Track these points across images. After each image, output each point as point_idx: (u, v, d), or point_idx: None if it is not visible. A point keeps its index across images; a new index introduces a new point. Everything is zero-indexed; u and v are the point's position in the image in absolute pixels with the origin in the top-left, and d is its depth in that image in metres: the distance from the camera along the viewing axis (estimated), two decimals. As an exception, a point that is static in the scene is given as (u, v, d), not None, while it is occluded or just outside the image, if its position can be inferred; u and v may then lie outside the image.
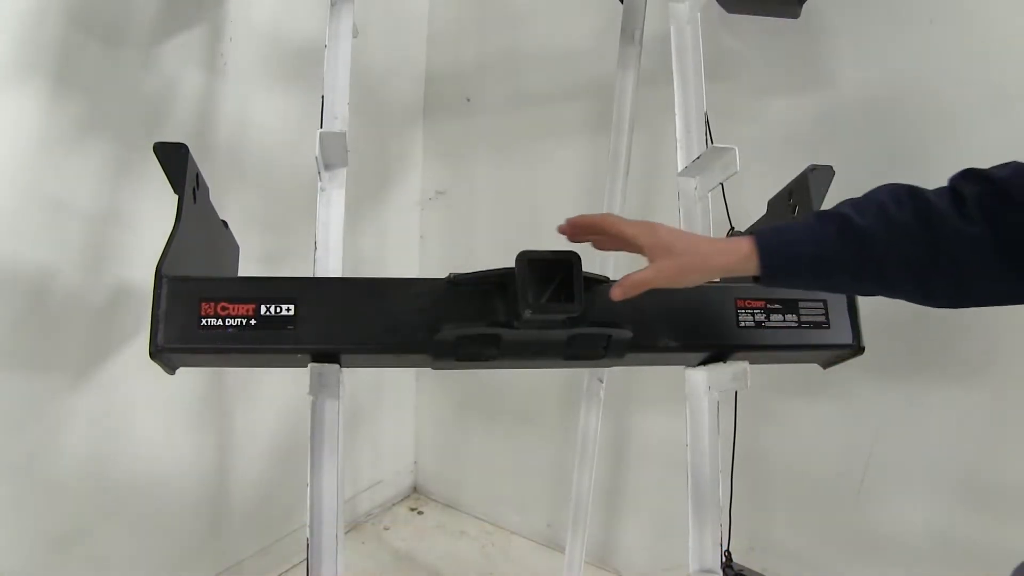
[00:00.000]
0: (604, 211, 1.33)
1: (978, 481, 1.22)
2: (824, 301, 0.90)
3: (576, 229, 0.78)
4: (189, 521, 1.47)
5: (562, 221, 0.79)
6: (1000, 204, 0.60)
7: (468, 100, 1.94)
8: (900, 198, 0.64)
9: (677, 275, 0.71)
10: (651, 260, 0.72)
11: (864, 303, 0.90)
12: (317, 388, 0.83)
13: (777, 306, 0.89)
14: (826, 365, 0.96)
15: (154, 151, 0.82)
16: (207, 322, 0.76)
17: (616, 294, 0.73)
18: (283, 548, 1.69)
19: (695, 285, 0.72)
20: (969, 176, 0.63)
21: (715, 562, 0.95)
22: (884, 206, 0.64)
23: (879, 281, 0.66)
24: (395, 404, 2.11)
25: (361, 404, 1.92)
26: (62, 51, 1.11)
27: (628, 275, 0.73)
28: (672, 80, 1.10)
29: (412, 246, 2.08)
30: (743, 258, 0.68)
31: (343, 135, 0.93)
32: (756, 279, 0.69)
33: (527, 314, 0.76)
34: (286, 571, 1.70)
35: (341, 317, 0.81)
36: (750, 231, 0.71)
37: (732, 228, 1.18)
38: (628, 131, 1.29)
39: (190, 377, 1.28)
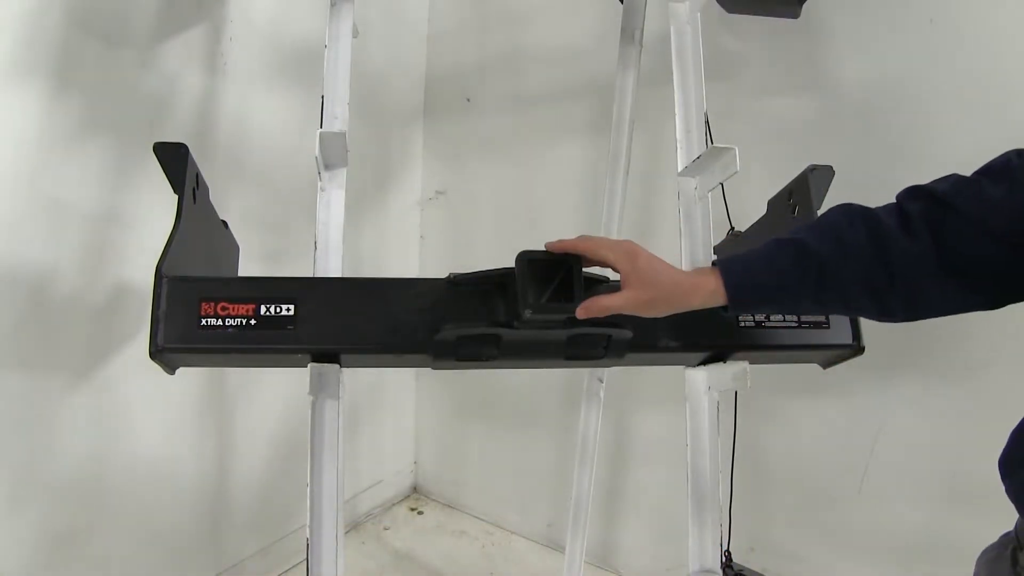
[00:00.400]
0: (604, 211, 1.33)
1: (978, 481, 1.22)
2: (824, 301, 0.90)
3: (558, 250, 0.78)
4: (189, 521, 1.47)
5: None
6: (942, 217, 0.62)
7: (468, 100, 1.94)
8: (853, 220, 0.66)
9: (645, 307, 0.73)
10: (624, 286, 0.73)
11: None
12: (317, 388, 0.83)
13: (777, 306, 0.89)
14: (826, 365, 0.96)
15: (154, 151, 0.82)
16: (207, 322, 0.76)
17: (580, 313, 0.75)
18: (283, 548, 1.69)
19: (660, 316, 0.74)
20: (912, 193, 0.65)
21: (715, 562, 0.95)
22: (838, 228, 0.66)
23: (839, 302, 0.68)
24: (395, 404, 2.11)
25: (361, 404, 1.92)
26: (62, 51, 1.11)
27: (597, 297, 0.74)
28: (672, 80, 1.10)
29: (412, 246, 2.08)
30: (709, 294, 0.71)
31: (343, 135, 0.93)
32: (725, 308, 0.72)
33: (527, 314, 0.76)
34: (286, 571, 1.70)
35: (341, 317, 0.81)
36: (717, 258, 0.73)
37: (732, 228, 1.18)
38: (628, 131, 1.29)
39: (190, 377, 1.29)
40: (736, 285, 0.70)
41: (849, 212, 0.67)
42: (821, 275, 0.66)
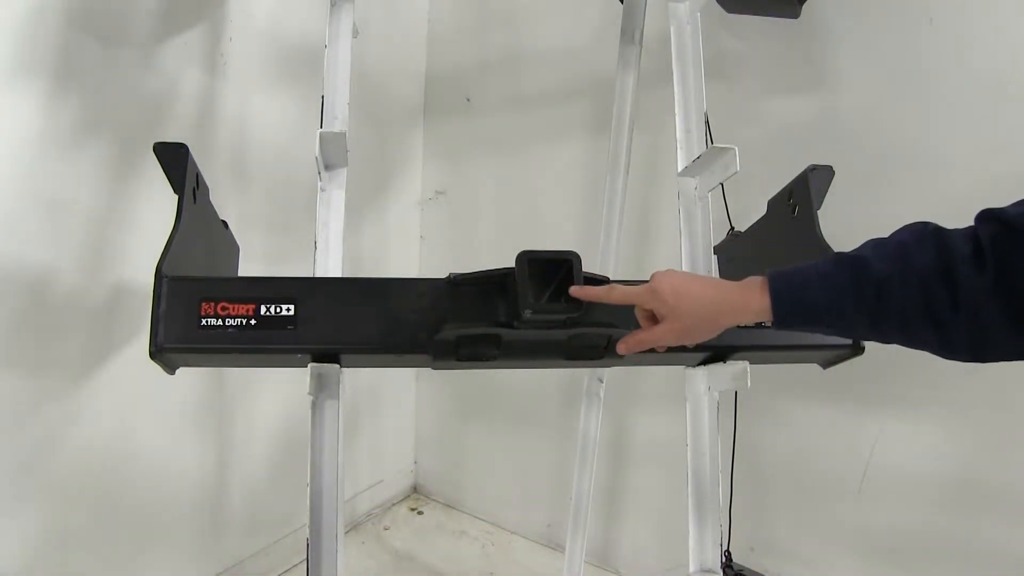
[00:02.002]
0: (604, 211, 1.33)
1: (979, 482, 1.22)
2: (824, 301, 0.90)
3: (585, 297, 0.77)
4: (189, 521, 1.47)
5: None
6: (1010, 247, 0.54)
7: (468, 100, 1.94)
8: (923, 240, 0.60)
9: (687, 335, 0.71)
10: (661, 319, 0.72)
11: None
12: (317, 388, 0.83)
13: (777, 306, 0.89)
14: (826, 365, 0.96)
15: (154, 151, 0.82)
16: (207, 322, 0.76)
17: (621, 349, 0.75)
18: (283, 548, 1.69)
19: (708, 338, 0.72)
20: (984, 216, 0.58)
21: (715, 562, 0.95)
22: (905, 248, 0.60)
23: (899, 331, 0.62)
24: (395, 404, 2.11)
25: (361, 404, 1.92)
26: (62, 51, 1.11)
27: (635, 332, 0.74)
28: (672, 80, 1.10)
29: (412, 246, 2.08)
30: (755, 313, 0.67)
31: (343, 135, 0.93)
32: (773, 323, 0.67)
33: (527, 314, 0.76)
34: (286, 571, 1.70)
35: (341, 317, 0.81)
36: (769, 270, 0.67)
37: (732, 228, 1.18)
38: (628, 131, 1.29)
39: (190, 377, 1.29)
40: (784, 301, 0.65)
41: (920, 232, 0.61)
42: (879, 299, 0.60)
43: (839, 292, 0.62)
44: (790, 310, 0.65)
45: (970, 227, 0.59)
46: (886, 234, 0.64)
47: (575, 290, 0.76)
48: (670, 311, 0.70)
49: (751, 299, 0.67)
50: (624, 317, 0.82)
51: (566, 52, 1.73)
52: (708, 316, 0.69)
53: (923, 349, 0.62)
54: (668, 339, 0.72)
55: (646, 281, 0.74)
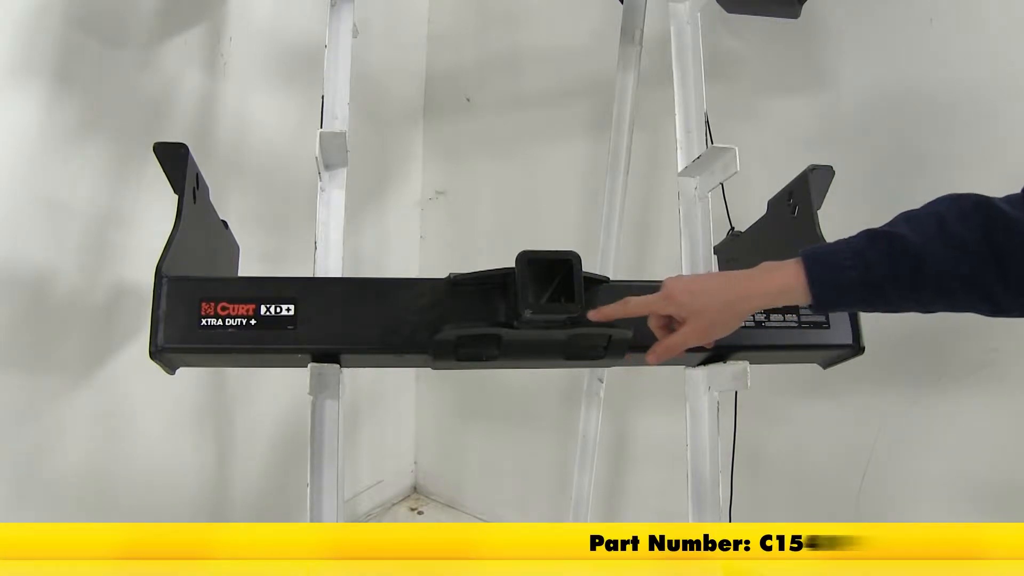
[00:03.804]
0: (604, 211, 1.34)
1: (979, 482, 1.22)
2: (824, 301, 0.90)
3: (605, 319, 0.77)
4: (189, 521, 1.46)
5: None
6: None
7: (468, 100, 1.94)
8: (964, 211, 0.59)
9: (708, 332, 0.71)
10: (682, 323, 0.72)
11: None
12: (317, 388, 0.83)
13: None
14: (826, 365, 0.96)
15: (154, 151, 0.82)
16: (207, 322, 0.76)
17: (652, 360, 0.75)
18: (283, 548, 1.69)
19: (736, 328, 0.72)
20: None
21: (715, 562, 0.95)
22: (943, 220, 0.60)
23: (942, 301, 0.62)
24: (395, 404, 2.11)
25: (361, 404, 1.92)
26: (62, 51, 1.11)
27: (661, 340, 0.74)
28: (672, 80, 1.10)
29: (412, 246, 2.08)
30: (779, 292, 0.66)
31: (343, 135, 0.93)
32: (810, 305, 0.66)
33: (527, 314, 0.76)
34: (286, 571, 1.70)
35: (341, 317, 0.81)
36: (802, 250, 0.67)
37: (732, 228, 1.18)
38: (628, 131, 1.29)
39: (190, 377, 1.28)
40: (820, 281, 0.63)
41: (959, 200, 0.61)
42: (916, 271, 0.60)
43: (873, 268, 0.62)
44: (826, 290, 0.64)
45: (1017, 194, 0.59)
46: None
47: (593, 314, 0.76)
48: (689, 311, 0.70)
49: (773, 279, 0.66)
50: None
51: (566, 52, 1.73)
52: (727, 305, 0.69)
53: (970, 311, 0.62)
54: (693, 339, 0.71)
55: (656, 288, 0.75)
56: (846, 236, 0.67)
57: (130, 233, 1.24)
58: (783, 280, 0.66)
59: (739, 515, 1.19)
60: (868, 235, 0.64)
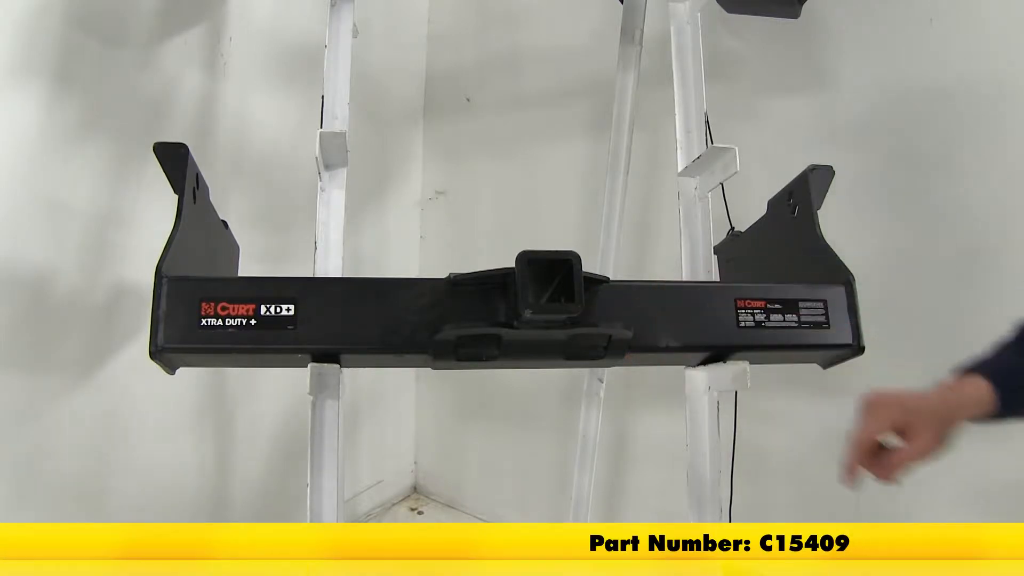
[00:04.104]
0: (604, 211, 1.33)
1: (980, 483, 1.22)
2: (824, 301, 0.90)
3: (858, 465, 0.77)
4: (189, 521, 1.46)
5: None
6: None
7: (468, 100, 1.94)
8: None
9: (936, 449, 0.73)
10: (907, 439, 0.74)
11: (862, 300, 0.90)
12: (317, 388, 0.83)
13: (777, 306, 0.89)
14: (826, 365, 0.96)
15: (154, 151, 0.81)
16: (207, 322, 0.76)
17: (884, 478, 0.75)
18: (283, 548, 1.69)
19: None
20: None
21: (715, 562, 0.95)
22: None
23: None
24: (395, 404, 2.11)
25: (361, 404, 1.92)
26: (62, 51, 1.11)
27: (892, 462, 0.74)
28: (672, 80, 1.10)
29: (412, 246, 2.08)
30: (974, 406, 0.72)
31: (343, 135, 0.93)
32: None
33: (527, 314, 0.76)
34: (286, 571, 1.70)
35: (341, 317, 0.81)
36: (977, 369, 0.72)
37: (732, 228, 1.18)
38: (628, 131, 1.29)
39: (190, 377, 1.28)
40: (1010, 404, 0.69)
41: None
42: None
43: None
44: (1013, 407, 0.68)
45: None
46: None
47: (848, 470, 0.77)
48: (920, 426, 0.73)
49: (969, 394, 0.72)
50: (624, 317, 0.82)
51: (566, 52, 1.73)
52: (944, 419, 0.73)
53: None
54: (929, 455, 0.74)
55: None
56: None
57: (130, 233, 1.24)
58: (977, 396, 0.70)
59: (739, 515, 1.19)
60: None
